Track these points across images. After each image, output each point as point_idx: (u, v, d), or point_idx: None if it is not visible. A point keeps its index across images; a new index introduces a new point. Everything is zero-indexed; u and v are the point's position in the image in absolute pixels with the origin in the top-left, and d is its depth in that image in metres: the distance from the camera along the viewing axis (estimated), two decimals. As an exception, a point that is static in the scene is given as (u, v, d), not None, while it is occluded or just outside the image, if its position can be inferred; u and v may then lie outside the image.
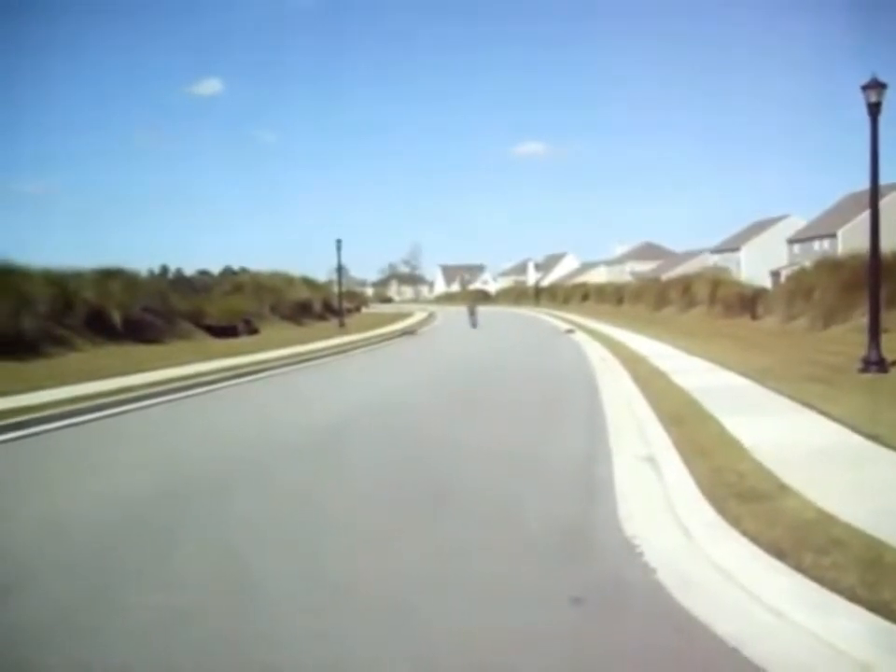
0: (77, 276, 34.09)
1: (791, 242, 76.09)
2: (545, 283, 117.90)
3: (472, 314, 49.90)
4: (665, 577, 5.65)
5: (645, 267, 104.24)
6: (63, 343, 29.88)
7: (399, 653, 4.64)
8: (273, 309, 51.54)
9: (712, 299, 46.82)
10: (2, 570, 6.26)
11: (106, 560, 6.46)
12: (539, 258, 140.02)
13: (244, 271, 61.34)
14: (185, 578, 6.01)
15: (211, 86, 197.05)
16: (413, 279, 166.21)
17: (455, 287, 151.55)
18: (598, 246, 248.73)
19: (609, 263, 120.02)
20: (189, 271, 58.45)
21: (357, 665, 4.59)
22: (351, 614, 5.21)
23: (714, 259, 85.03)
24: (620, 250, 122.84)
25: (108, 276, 35.97)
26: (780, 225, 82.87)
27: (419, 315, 67.69)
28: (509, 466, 9.72)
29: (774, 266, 67.06)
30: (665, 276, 75.04)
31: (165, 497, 8.53)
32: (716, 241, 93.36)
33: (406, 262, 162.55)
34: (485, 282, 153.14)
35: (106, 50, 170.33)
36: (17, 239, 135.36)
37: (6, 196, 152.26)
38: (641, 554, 6.15)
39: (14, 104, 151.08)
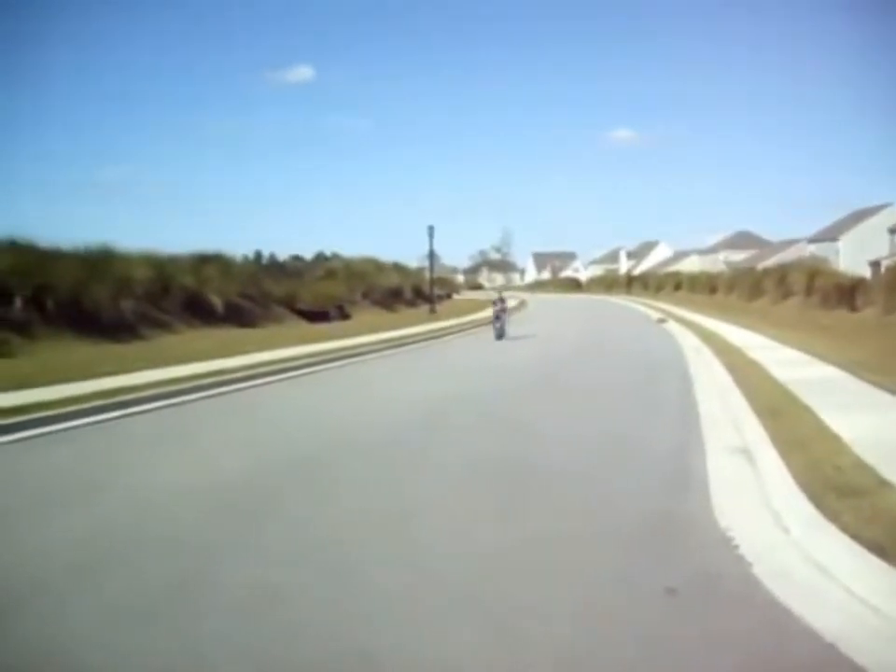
0: (175, 261, 34.91)
1: (894, 231, 73.91)
2: (637, 271, 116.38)
3: (498, 317, 29.92)
4: (762, 571, 5.56)
5: (739, 256, 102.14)
6: (160, 326, 30.67)
7: (491, 641, 4.67)
8: (365, 295, 52.01)
9: (809, 289, 45.57)
10: (97, 548, 6.48)
11: (200, 538, 6.65)
12: (631, 246, 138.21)
13: (336, 256, 62.00)
14: (266, 573, 6.12)
15: (302, 73, 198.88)
16: (504, 266, 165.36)
17: (546, 275, 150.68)
18: (691, 235, 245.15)
19: (702, 252, 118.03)
20: (283, 256, 59.28)
21: (443, 652, 4.60)
22: (442, 601, 5.25)
23: (811, 249, 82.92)
24: (713, 239, 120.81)
25: (205, 261, 36.78)
26: (882, 214, 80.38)
27: (510, 303, 67.25)
28: (601, 454, 9.68)
29: (874, 256, 65.13)
30: (759, 266, 73.54)
31: (251, 481, 8.73)
32: (813, 230, 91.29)
33: (497, 249, 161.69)
34: (576, 270, 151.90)
35: (198, 37, 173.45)
36: (116, 226, 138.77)
37: (104, 184, 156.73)
38: (737, 547, 6.06)
39: (99, 96, 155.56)
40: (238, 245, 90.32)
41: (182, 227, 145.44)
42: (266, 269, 48.21)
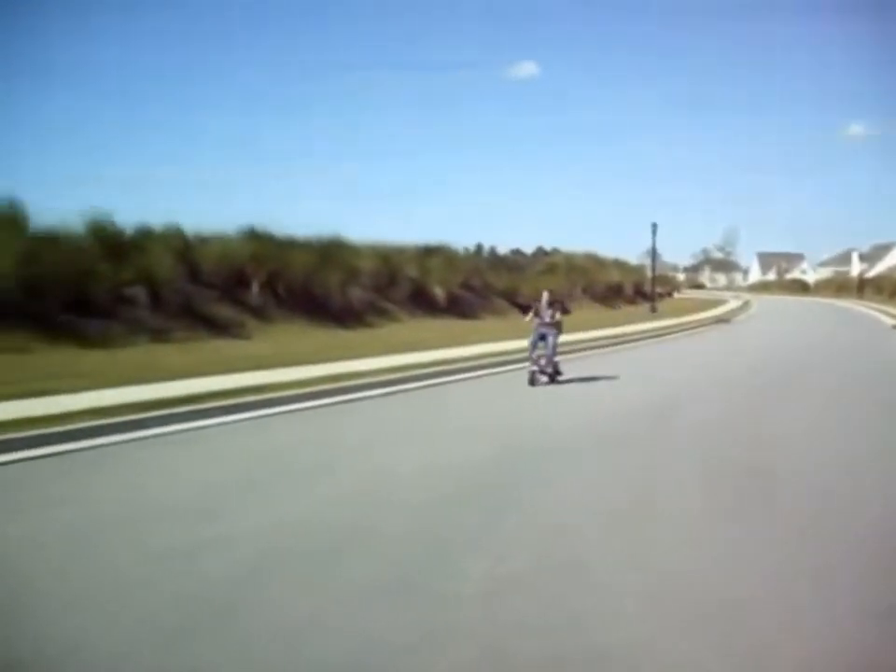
0: (401, 252, 35.75)
1: None
2: (870, 274, 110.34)
3: (543, 337, 15.88)
4: None
5: None
6: (384, 315, 31.51)
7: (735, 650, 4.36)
8: (585, 290, 51.71)
9: None
10: (334, 528, 6.56)
11: (432, 525, 6.60)
12: (865, 247, 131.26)
13: (556, 251, 61.86)
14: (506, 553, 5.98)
15: (527, 69, 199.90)
16: (727, 266, 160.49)
17: (771, 276, 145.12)
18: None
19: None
20: (503, 250, 59.65)
21: (677, 654, 4.31)
22: (675, 603, 4.96)
23: None
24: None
25: (430, 253, 37.48)
26: None
27: (733, 303, 65.31)
28: (847, 470, 9.07)
29: None
30: None
31: (491, 465, 8.69)
32: None
33: (720, 248, 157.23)
34: (803, 271, 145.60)
35: (429, 32, 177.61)
36: (342, 216, 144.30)
37: (330, 177, 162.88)
38: None
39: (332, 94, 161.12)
40: (460, 239, 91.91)
41: (407, 220, 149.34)
42: (487, 262, 48.62)
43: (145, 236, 25.37)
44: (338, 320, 28.07)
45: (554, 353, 15.95)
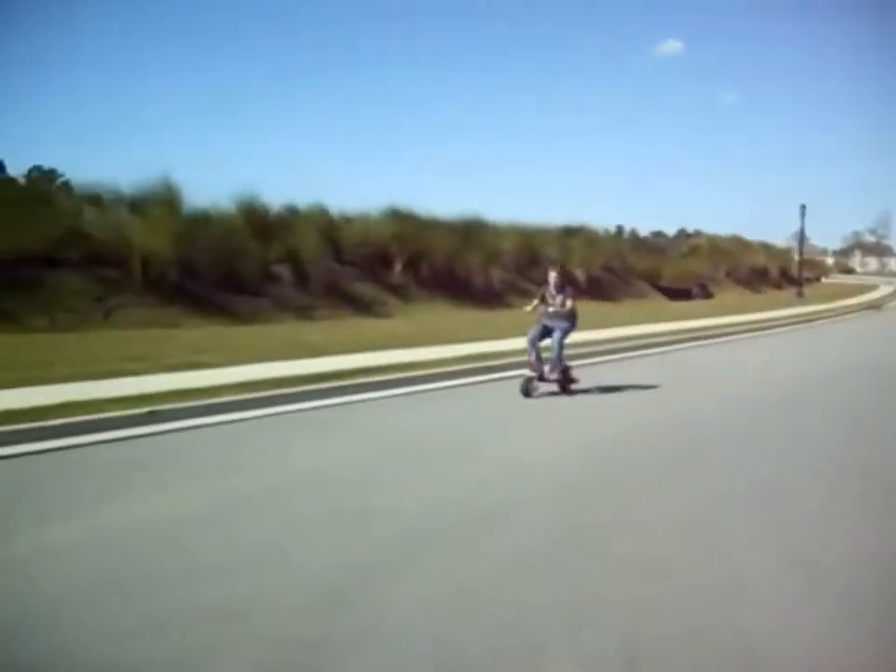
0: (542, 233, 35.65)
1: None
2: None
3: (546, 331, 11.90)
4: None
5: None
6: (525, 296, 31.37)
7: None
8: (728, 273, 50.56)
9: None
10: (489, 497, 6.52)
11: (581, 501, 6.47)
12: None
13: (698, 233, 60.68)
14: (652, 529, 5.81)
15: (673, 47, 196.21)
16: (879, 250, 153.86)
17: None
18: None
19: None
20: (643, 232, 58.83)
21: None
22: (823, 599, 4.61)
23: None
24: None
25: (570, 234, 37.26)
26: None
27: (884, 289, 62.75)
28: None
29: None
30: None
31: (646, 439, 8.53)
32: None
33: (873, 231, 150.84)
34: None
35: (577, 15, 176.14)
36: (479, 198, 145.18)
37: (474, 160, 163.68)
38: None
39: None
40: (599, 220, 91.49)
41: (547, 201, 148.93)
42: (628, 243, 48.07)
43: (291, 215, 25.99)
44: (478, 300, 28.19)
45: (561, 353, 11.87)
